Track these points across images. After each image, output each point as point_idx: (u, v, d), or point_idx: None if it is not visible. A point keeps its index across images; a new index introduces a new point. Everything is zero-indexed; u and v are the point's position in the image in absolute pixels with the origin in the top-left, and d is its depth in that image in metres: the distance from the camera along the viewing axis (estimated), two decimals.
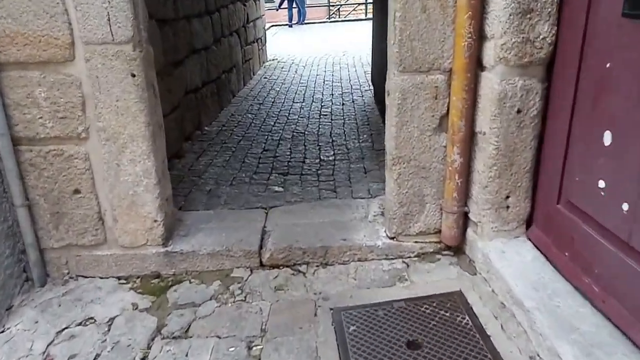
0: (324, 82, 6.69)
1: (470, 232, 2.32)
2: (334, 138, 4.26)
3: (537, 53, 1.91)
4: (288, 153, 3.91)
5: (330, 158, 3.76)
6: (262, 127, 4.68)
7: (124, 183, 2.30)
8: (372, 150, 3.90)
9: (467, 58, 2.03)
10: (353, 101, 5.58)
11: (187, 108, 4.03)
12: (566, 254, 1.88)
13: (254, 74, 7.17)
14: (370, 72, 7.04)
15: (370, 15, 18.08)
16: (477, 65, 2.07)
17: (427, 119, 2.23)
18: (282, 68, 7.91)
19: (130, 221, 2.37)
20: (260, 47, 7.77)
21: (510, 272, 1.95)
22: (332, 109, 5.28)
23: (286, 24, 15.27)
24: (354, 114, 5.06)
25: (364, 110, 5.16)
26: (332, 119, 4.88)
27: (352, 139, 4.20)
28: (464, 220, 2.32)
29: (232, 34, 5.87)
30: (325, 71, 7.56)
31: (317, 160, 3.72)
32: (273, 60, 8.66)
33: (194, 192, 3.19)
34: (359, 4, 19.37)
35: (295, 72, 7.57)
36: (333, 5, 18.97)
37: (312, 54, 9.37)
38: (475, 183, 2.20)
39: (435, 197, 2.35)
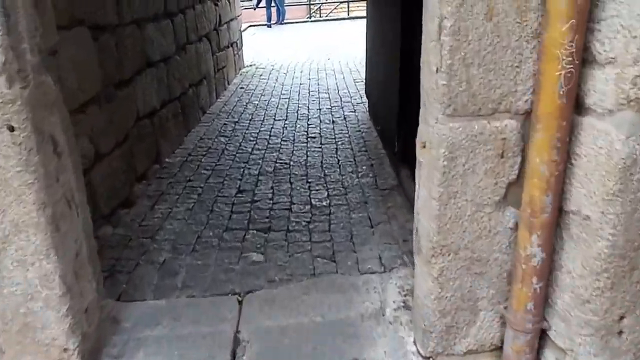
0: (309, 93, 5.85)
1: (551, 358, 1.52)
2: (326, 171, 3.44)
3: None
4: (269, 195, 3.08)
5: (324, 203, 2.94)
6: (237, 155, 3.83)
7: (9, 297, 1.45)
8: (375, 189, 3.10)
9: (563, 96, 1.23)
10: (344, 117, 4.77)
11: (139, 138, 3.17)
12: None
13: (228, 84, 6.30)
14: (362, 82, 6.24)
15: (353, 14, 17.31)
16: (575, 107, 1.28)
17: (487, 187, 1.43)
18: (261, 75, 7.05)
19: (24, 352, 1.51)
20: (235, 52, 6.90)
21: None
22: (320, 128, 4.46)
23: (264, 24, 14.36)
24: (347, 135, 4.25)
25: (359, 130, 4.35)
26: (321, 143, 4.06)
27: (349, 173, 3.39)
28: (541, 339, 1.53)
29: (201, 39, 5.00)
30: (309, 79, 6.72)
31: (308, 207, 2.89)
32: (251, 66, 7.78)
33: (142, 266, 2.33)
34: (341, 2, 18.56)
35: (276, 80, 6.72)
36: (313, 4, 18.12)
37: (293, 58, 8.52)
38: (565, 290, 1.41)
39: (494, 301, 1.56)
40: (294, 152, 3.87)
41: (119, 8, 2.93)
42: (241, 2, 14.07)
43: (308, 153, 3.83)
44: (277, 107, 5.25)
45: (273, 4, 14.21)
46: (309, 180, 3.29)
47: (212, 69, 5.41)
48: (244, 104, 5.44)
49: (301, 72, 7.25)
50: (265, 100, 5.55)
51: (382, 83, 3.64)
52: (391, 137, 3.25)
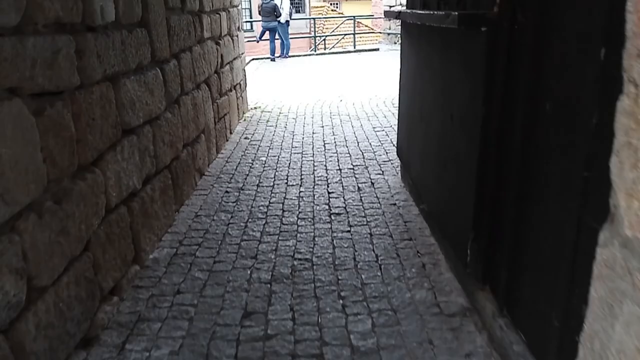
0: (324, 146, 5.01)
1: None
2: (363, 277, 2.55)
3: None
4: (289, 325, 2.17)
5: (370, 342, 2.03)
6: (243, 243, 2.95)
7: None
8: (438, 314, 2.20)
9: None
10: (372, 183, 3.91)
11: (109, 241, 2.28)
12: None
13: (230, 133, 5.47)
14: (382, 130, 5.41)
15: (359, 47, 16.64)
16: None
17: None
18: (268, 121, 6.23)
19: None
20: (239, 95, 6.10)
21: None
22: (345, 199, 3.60)
23: (268, 57, 13.71)
24: (379, 210, 3.38)
25: (393, 204, 3.48)
26: (349, 224, 3.18)
27: (395, 280, 2.49)
28: None
29: (200, 86, 4.19)
30: (322, 126, 5.89)
31: (347, 352, 1.99)
32: (255, 109, 6.99)
33: None
34: (346, 34, 18.03)
35: (285, 127, 5.89)
36: (319, 36, 17.57)
37: (301, 98, 7.74)
38: None
39: None
40: (316, 239, 2.99)
41: (83, 63, 2.09)
42: (244, 33, 13.49)
43: (335, 242, 2.94)
44: (288, 166, 4.39)
45: (277, 37, 13.57)
46: (342, 294, 2.39)
47: (212, 120, 4.58)
48: (250, 161, 4.59)
49: (312, 117, 6.43)
50: (274, 156, 4.70)
51: (436, 154, 2.78)
52: (456, 237, 2.37)
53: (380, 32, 19.36)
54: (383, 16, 19.11)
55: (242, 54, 6.53)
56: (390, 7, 18.26)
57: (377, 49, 16.03)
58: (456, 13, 2.01)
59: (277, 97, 7.88)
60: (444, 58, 2.60)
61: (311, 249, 2.86)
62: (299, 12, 25.95)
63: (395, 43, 17.93)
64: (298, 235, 3.06)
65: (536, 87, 1.62)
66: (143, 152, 2.76)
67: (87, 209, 2.06)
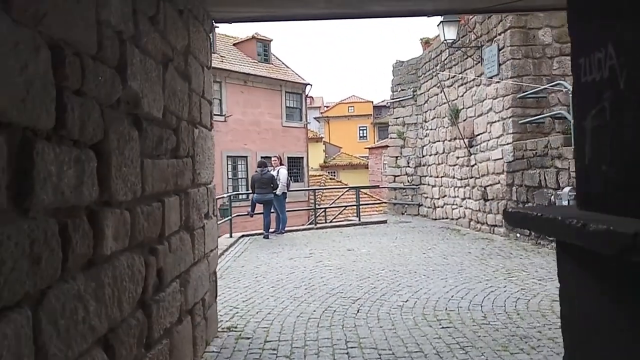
0: None
1: None
2: None
3: None
4: None
5: None
6: None
7: None
8: None
9: None
10: None
11: None
12: None
13: None
14: None
15: (364, 219, 14.68)
16: None
17: None
18: None
19: None
20: (198, 321, 3.76)
21: None
22: None
23: (261, 233, 11.70)
24: None
25: None
26: None
27: None
28: None
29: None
30: None
31: None
32: (229, 330, 4.57)
33: None
34: (349, 205, 16.47)
35: None
36: (319, 208, 15.91)
37: (300, 303, 5.39)
38: None
39: None
40: None
41: None
42: (233, 208, 11.66)
43: None
44: None
45: (272, 210, 11.75)
46: None
47: None
48: None
49: (317, 353, 3.98)
50: None
51: None
52: None
53: (386, 202, 17.85)
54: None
55: (212, 250, 4.36)
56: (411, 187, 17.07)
57: (385, 221, 14.22)
58: None
59: (264, 303, 5.52)
60: None
61: None
62: (298, 180, 25.08)
63: (402, 214, 16.29)
64: None
65: None
66: None
67: None
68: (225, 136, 21.80)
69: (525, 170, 9.49)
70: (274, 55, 26.93)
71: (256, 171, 11.26)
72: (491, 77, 10.75)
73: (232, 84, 22.38)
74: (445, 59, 13.36)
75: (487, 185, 11.17)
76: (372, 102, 50.61)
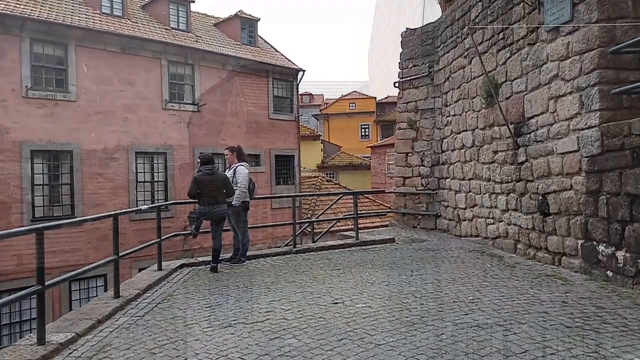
0: None
1: None
2: None
3: None
4: None
5: None
6: None
7: None
8: None
9: None
10: None
11: None
12: None
13: None
14: None
15: (363, 234, 10.00)
16: None
17: None
18: None
19: None
20: None
21: None
22: None
23: (208, 262, 7.91)
24: None
25: None
26: None
27: None
28: None
29: None
30: None
31: None
32: None
33: None
34: (346, 217, 12.76)
35: None
36: (303, 221, 12.20)
37: None
38: None
39: None
40: None
41: None
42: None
43: None
44: None
45: (228, 228, 8.02)
46: None
47: None
48: None
49: None
50: None
51: None
52: None
53: (393, 211, 14.01)
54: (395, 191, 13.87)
55: None
56: (404, 179, 13.27)
57: (393, 240, 10.48)
58: None
59: None
60: None
61: None
62: (287, 183, 21.32)
63: (415, 227, 12.54)
64: None
65: None
66: None
67: None
68: (198, 129, 18.10)
69: (626, 169, 5.76)
70: (260, 37, 23.25)
71: (200, 170, 7.48)
72: (558, 27, 7.02)
73: (208, 66, 18.69)
74: (477, 16, 9.63)
75: (549, 192, 7.43)
76: (375, 98, 46.89)
